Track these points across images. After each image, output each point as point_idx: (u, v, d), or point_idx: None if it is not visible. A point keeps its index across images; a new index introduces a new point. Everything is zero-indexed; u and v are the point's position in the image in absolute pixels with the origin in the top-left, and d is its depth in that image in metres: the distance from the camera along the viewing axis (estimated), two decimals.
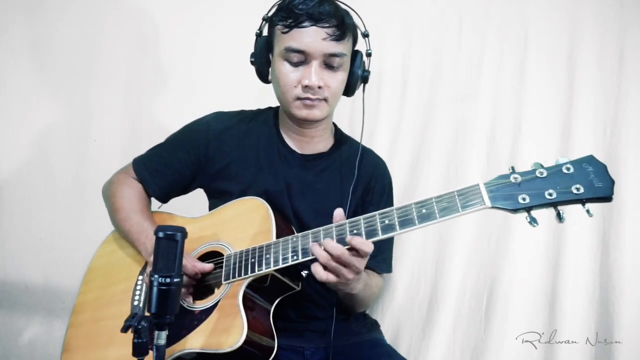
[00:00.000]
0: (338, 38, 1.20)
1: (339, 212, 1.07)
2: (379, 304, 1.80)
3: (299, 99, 1.24)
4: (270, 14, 1.27)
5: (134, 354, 0.89)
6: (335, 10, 1.21)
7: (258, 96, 1.86)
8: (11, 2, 1.88)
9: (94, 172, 1.91)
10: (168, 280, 0.90)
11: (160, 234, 0.92)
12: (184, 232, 0.93)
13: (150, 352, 0.91)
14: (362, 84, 1.34)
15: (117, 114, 1.94)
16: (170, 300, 0.90)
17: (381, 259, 1.37)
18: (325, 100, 1.25)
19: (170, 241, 0.92)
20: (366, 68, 1.32)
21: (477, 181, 0.95)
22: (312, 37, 1.19)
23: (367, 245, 1.00)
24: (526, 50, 1.80)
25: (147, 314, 0.92)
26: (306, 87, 1.22)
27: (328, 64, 1.22)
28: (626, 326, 1.59)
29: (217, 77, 1.97)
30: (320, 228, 1.08)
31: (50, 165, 1.91)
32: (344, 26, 1.21)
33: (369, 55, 1.31)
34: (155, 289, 0.90)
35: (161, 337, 0.91)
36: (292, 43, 1.20)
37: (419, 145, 1.87)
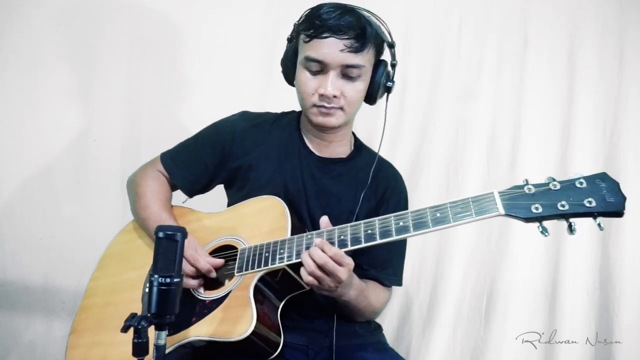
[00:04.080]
0: (357, 50, 1.21)
1: (324, 220, 1.13)
2: None
3: (315, 106, 1.27)
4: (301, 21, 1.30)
5: (134, 354, 0.89)
6: (356, 22, 1.22)
7: (259, 97, 1.88)
8: (11, 2, 1.88)
9: (94, 172, 1.91)
10: (168, 280, 0.90)
11: (160, 234, 0.91)
12: (184, 232, 0.93)
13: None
14: (386, 94, 1.35)
15: (117, 114, 1.94)
16: (170, 300, 0.90)
17: (391, 271, 1.37)
18: (341, 108, 1.27)
19: (170, 241, 0.91)
20: (391, 78, 1.33)
21: (492, 189, 0.97)
22: (330, 48, 1.21)
23: (344, 258, 1.05)
24: (526, 50, 1.80)
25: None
26: (322, 96, 1.24)
27: (346, 74, 1.24)
28: (626, 326, 1.59)
29: (217, 77, 1.97)
30: (335, 227, 1.11)
31: (50, 165, 1.91)
32: (364, 38, 1.22)
33: (393, 65, 1.33)
34: (155, 289, 0.90)
35: (161, 337, 0.91)
36: (311, 53, 1.23)
37: (419, 145, 1.87)
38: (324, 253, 1.05)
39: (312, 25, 1.22)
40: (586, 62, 1.74)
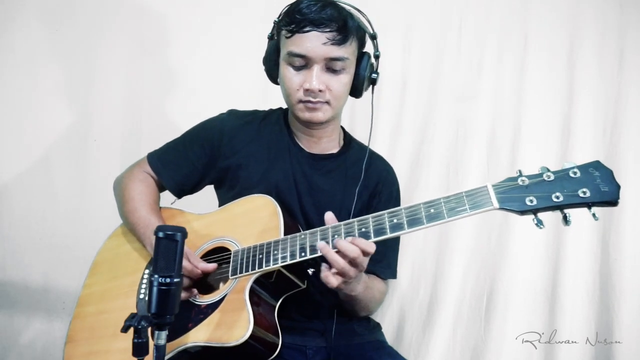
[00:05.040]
0: (339, 42, 1.21)
1: (330, 216, 1.10)
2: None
3: (301, 101, 1.26)
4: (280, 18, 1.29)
5: (134, 354, 0.89)
6: (337, 14, 1.21)
7: (260, 97, 1.88)
8: (11, 2, 1.88)
9: (94, 172, 1.91)
10: (168, 280, 0.90)
11: (160, 234, 0.91)
12: (183, 232, 0.93)
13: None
14: (371, 86, 1.34)
15: (117, 114, 1.94)
16: (170, 300, 0.90)
17: (385, 264, 1.37)
18: (327, 103, 1.26)
19: (170, 241, 0.91)
20: (375, 69, 1.32)
21: (485, 183, 0.97)
22: (312, 42, 1.20)
23: (370, 246, 1.03)
24: (526, 50, 1.80)
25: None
26: (307, 91, 1.23)
27: (330, 67, 1.23)
28: (626, 326, 1.59)
29: (218, 77, 1.97)
30: (329, 226, 1.09)
31: (50, 165, 1.91)
32: (346, 30, 1.22)
33: (377, 57, 1.31)
34: (155, 289, 0.90)
35: (161, 337, 0.91)
36: (293, 48, 1.22)
37: (419, 145, 1.87)
38: (355, 246, 1.02)
39: (293, 20, 1.21)
40: (586, 62, 1.73)
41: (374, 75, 1.32)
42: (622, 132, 1.68)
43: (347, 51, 1.24)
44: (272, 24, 1.31)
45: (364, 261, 1.04)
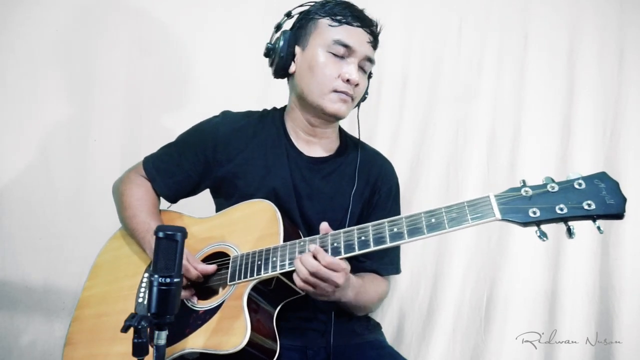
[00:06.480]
0: (374, 46, 1.30)
1: (325, 226, 1.10)
2: None
3: (336, 91, 1.25)
4: (299, 10, 1.33)
5: (134, 354, 0.89)
6: (373, 23, 1.31)
7: (260, 96, 1.88)
8: (11, 2, 1.88)
9: (94, 172, 1.91)
10: (168, 280, 0.90)
11: (160, 234, 0.91)
12: (184, 232, 0.93)
13: (152, 351, 0.91)
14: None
15: (117, 114, 1.94)
16: (170, 300, 0.90)
17: (387, 260, 1.37)
18: (353, 99, 1.29)
19: (170, 241, 0.91)
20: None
21: (488, 193, 0.96)
22: (359, 37, 1.26)
23: (337, 265, 1.04)
24: (526, 50, 1.80)
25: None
26: (347, 81, 1.24)
27: (362, 67, 1.28)
28: (626, 326, 1.59)
29: (217, 77, 1.97)
30: (328, 234, 1.09)
31: (50, 165, 1.90)
32: (377, 39, 1.31)
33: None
34: (155, 289, 0.90)
35: (161, 337, 0.91)
36: (341, 37, 1.24)
37: (419, 145, 1.87)
38: (317, 261, 1.03)
39: (342, 12, 1.25)
40: (586, 62, 1.73)
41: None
42: (622, 132, 1.68)
43: (374, 57, 1.31)
44: (283, 17, 1.33)
45: (332, 276, 1.04)
